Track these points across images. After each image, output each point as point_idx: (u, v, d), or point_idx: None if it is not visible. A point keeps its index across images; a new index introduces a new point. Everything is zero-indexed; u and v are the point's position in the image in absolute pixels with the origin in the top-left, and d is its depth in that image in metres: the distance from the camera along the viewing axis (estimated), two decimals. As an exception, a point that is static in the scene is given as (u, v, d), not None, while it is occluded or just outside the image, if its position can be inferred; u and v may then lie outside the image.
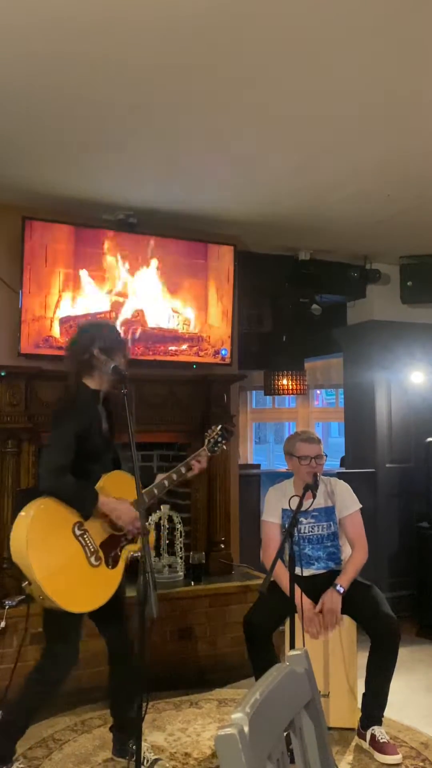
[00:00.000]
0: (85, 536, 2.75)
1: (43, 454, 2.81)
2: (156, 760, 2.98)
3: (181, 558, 4.37)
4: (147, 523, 4.12)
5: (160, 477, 3.06)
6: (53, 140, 3.32)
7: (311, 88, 2.82)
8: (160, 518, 4.33)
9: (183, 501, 4.59)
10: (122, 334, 3.08)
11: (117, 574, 2.81)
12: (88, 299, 4.14)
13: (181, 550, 4.37)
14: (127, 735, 2.99)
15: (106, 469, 2.92)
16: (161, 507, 4.35)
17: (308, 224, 4.55)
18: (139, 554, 2.49)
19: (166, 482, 3.00)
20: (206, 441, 3.22)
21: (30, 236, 3.96)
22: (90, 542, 2.75)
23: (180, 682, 3.90)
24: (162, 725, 3.44)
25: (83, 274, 4.13)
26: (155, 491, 2.97)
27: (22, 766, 2.93)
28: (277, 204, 4.20)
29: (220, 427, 3.26)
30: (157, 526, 4.34)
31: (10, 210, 4.07)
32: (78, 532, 2.73)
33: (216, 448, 3.23)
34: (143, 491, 2.86)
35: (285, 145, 3.39)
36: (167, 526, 4.35)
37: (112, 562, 2.80)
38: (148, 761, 2.96)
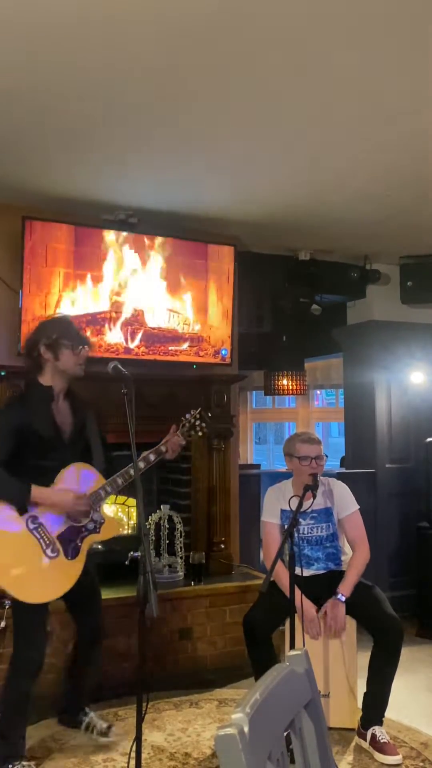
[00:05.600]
0: (39, 529, 2.84)
1: None
2: (110, 727, 3.19)
3: (181, 558, 4.37)
4: (146, 524, 4.14)
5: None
6: (53, 140, 3.32)
7: (311, 89, 2.82)
8: (160, 518, 4.33)
9: (183, 501, 4.59)
10: (74, 329, 3.04)
11: (78, 564, 2.87)
12: (88, 299, 4.14)
13: (181, 550, 4.37)
14: (83, 702, 3.22)
15: (66, 464, 2.94)
16: (161, 507, 4.35)
17: (308, 224, 4.56)
18: (139, 554, 2.49)
19: (131, 471, 2.94)
20: (181, 425, 3.16)
21: (30, 236, 3.96)
22: (45, 535, 2.84)
23: (180, 682, 3.90)
24: (162, 725, 3.44)
25: (83, 274, 4.13)
26: (119, 481, 2.97)
27: (26, 763, 2.92)
28: (277, 204, 4.21)
29: (199, 410, 3.21)
30: (157, 526, 4.34)
31: (10, 210, 4.07)
32: (32, 526, 2.83)
33: (192, 433, 3.17)
34: (107, 481, 2.96)
35: (285, 145, 3.39)
36: (167, 526, 4.35)
37: (72, 553, 2.85)
38: (99, 728, 3.18)
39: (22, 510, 2.80)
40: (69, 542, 2.86)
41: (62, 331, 2.95)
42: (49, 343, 2.91)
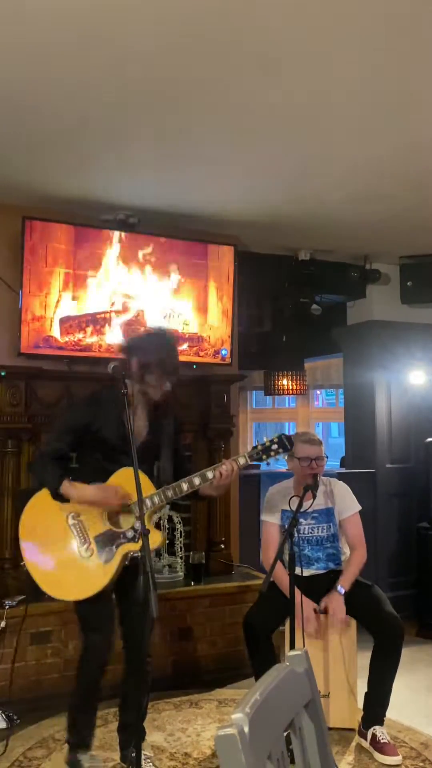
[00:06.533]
0: (78, 526, 2.79)
1: None
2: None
3: (181, 558, 4.37)
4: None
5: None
6: (53, 140, 3.32)
7: (311, 88, 2.82)
8: (160, 518, 4.33)
9: (183, 501, 4.58)
10: (172, 360, 2.93)
11: (109, 569, 2.76)
12: (87, 299, 4.14)
13: (181, 550, 4.37)
14: (126, 740, 2.99)
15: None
16: (161, 507, 4.36)
17: (308, 224, 4.56)
18: (140, 554, 2.49)
19: (184, 485, 2.82)
20: (252, 447, 2.91)
21: (30, 236, 3.96)
22: (82, 533, 2.79)
23: (180, 682, 3.90)
24: (162, 725, 3.43)
25: (83, 274, 4.13)
26: (168, 493, 2.81)
27: (93, 753, 2.92)
28: (277, 204, 4.20)
29: (280, 434, 2.91)
30: (157, 526, 4.34)
31: (10, 210, 4.07)
32: (72, 522, 2.80)
33: (263, 456, 2.89)
34: (156, 491, 2.81)
35: (285, 145, 3.39)
36: (167, 526, 4.35)
37: (105, 557, 2.77)
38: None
39: (54, 495, 2.77)
40: (104, 545, 2.78)
41: (160, 360, 2.86)
42: (143, 362, 2.83)
